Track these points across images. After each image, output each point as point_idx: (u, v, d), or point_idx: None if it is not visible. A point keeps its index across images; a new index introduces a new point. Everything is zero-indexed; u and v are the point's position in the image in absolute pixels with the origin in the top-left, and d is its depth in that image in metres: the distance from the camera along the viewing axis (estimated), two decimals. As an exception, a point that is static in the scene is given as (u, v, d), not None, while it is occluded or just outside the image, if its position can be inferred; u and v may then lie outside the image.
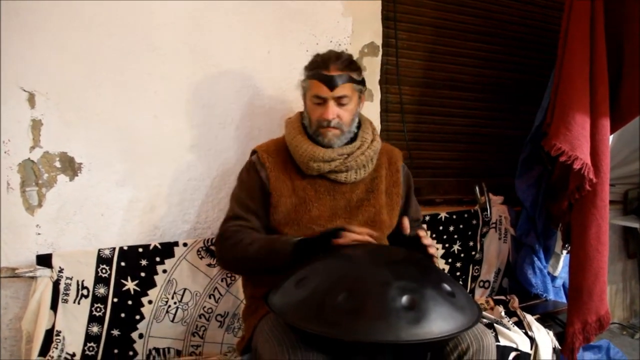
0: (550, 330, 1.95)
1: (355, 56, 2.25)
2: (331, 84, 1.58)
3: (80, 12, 1.75)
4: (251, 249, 1.51)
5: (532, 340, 1.87)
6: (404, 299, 1.11)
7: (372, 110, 2.34)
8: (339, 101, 1.60)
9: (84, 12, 1.76)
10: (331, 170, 1.63)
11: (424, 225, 2.17)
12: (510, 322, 1.93)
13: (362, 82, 1.68)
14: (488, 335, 1.38)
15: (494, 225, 2.44)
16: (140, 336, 1.79)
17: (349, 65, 1.64)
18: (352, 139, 1.68)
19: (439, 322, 1.09)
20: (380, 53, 2.35)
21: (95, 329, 1.72)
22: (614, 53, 1.93)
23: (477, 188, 2.46)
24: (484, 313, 2.05)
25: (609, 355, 2.69)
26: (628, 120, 1.97)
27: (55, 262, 1.68)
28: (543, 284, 2.33)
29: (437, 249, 2.32)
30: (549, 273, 2.38)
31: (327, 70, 1.59)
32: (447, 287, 1.20)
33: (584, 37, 1.89)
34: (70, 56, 1.76)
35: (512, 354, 1.81)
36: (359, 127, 1.72)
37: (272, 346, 1.27)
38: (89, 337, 1.71)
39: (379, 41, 2.33)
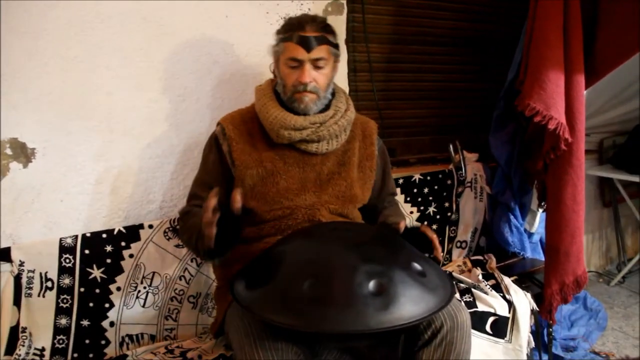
0: (528, 291, 1.99)
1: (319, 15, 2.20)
2: (308, 46, 1.54)
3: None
4: (188, 235, 1.53)
5: (510, 303, 1.91)
6: (372, 284, 1.11)
7: (339, 72, 2.27)
8: (316, 64, 1.57)
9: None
10: (302, 139, 1.60)
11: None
12: (488, 286, 1.97)
13: (337, 47, 1.64)
14: (462, 311, 1.40)
15: (469, 184, 2.45)
16: (112, 324, 1.78)
17: (325, 27, 1.60)
18: (325, 108, 1.65)
19: (408, 306, 1.09)
20: (345, 11, 2.28)
21: (63, 321, 1.70)
22: (587, 4, 1.90)
23: (451, 146, 2.47)
24: (461, 277, 2.08)
25: (585, 304, 2.79)
26: (603, 74, 1.95)
27: (15, 255, 1.64)
28: (520, 242, 2.37)
29: (412, 212, 2.34)
30: (525, 230, 2.42)
31: (303, 31, 1.55)
32: (417, 266, 1.21)
33: None
34: (10, 33, 1.65)
35: (491, 319, 1.85)
36: (332, 95, 1.69)
37: (240, 337, 1.28)
38: (57, 330, 1.69)
39: (343, -2, 2.26)
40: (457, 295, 1.96)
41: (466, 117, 2.79)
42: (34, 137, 1.74)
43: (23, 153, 1.73)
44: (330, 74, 1.63)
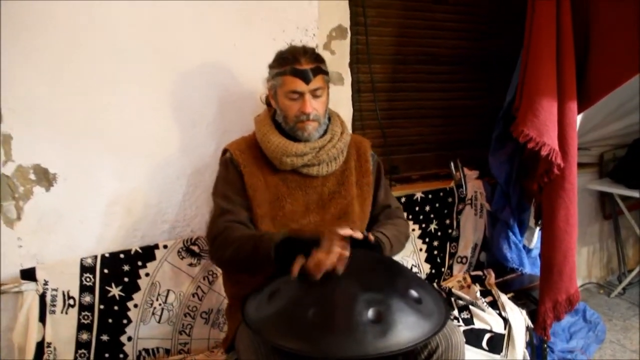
0: (523, 308, 2.12)
1: (324, 41, 2.34)
2: (306, 78, 1.65)
3: (38, 18, 1.78)
4: (238, 247, 1.56)
5: (506, 320, 2.04)
6: (370, 312, 1.24)
7: (343, 94, 2.43)
8: (314, 93, 1.68)
9: (42, 18, 1.78)
10: (304, 164, 1.72)
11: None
12: (485, 303, 2.10)
13: (328, 74, 1.75)
14: (456, 333, 1.53)
15: (469, 201, 2.58)
16: (129, 339, 1.94)
17: (317, 57, 1.72)
18: (323, 133, 1.77)
19: (405, 332, 1.23)
20: (349, 35, 2.40)
21: (84, 336, 1.86)
22: (580, 33, 2.02)
23: (452, 164, 2.60)
24: (460, 294, 2.22)
25: (585, 316, 2.91)
26: (595, 100, 2.07)
27: (40, 275, 1.79)
28: (519, 257, 2.50)
29: (414, 229, 2.47)
30: (524, 246, 2.55)
31: (299, 64, 1.65)
32: (414, 293, 1.34)
33: (550, 18, 1.97)
34: (34, 67, 1.80)
35: (487, 335, 1.98)
36: (328, 120, 1.81)
37: (249, 354, 1.42)
38: (79, 345, 1.85)
39: (346, 23, 2.38)
40: (456, 312, 2.10)
41: (467, 134, 2.91)
42: (55, 163, 1.88)
43: (45, 178, 1.87)
44: (326, 100, 1.76)
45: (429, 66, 2.73)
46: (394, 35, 2.61)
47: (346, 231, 1.45)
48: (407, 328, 1.25)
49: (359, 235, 1.49)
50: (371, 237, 1.55)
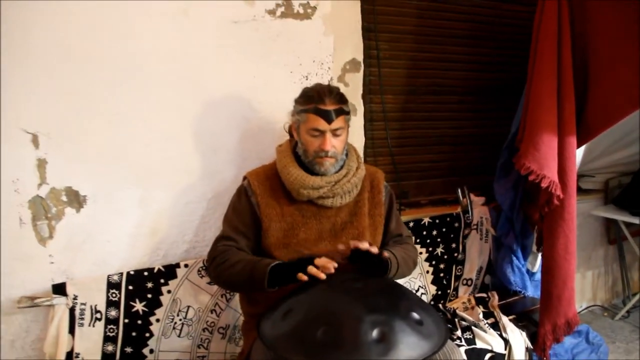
0: (524, 330, 2.23)
1: (338, 73, 2.48)
2: (328, 118, 1.78)
3: (70, 51, 1.93)
4: (234, 270, 1.73)
5: (507, 341, 2.16)
6: (375, 332, 1.37)
7: (356, 123, 2.57)
8: (334, 132, 1.80)
9: (74, 50, 1.94)
10: (319, 196, 1.84)
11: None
12: (487, 325, 2.22)
13: (349, 113, 1.88)
14: (456, 352, 1.65)
15: (475, 226, 2.70)
16: (151, 351, 2.08)
17: (341, 98, 1.84)
18: (339, 167, 1.89)
19: (406, 352, 1.35)
20: (362, 68, 2.55)
21: (110, 347, 2.00)
22: (580, 69, 2.14)
23: (459, 191, 2.72)
24: (464, 315, 2.34)
25: (587, 338, 2.99)
26: (594, 135, 2.19)
27: (70, 290, 1.95)
28: (522, 281, 2.61)
29: (421, 253, 2.59)
30: (527, 270, 2.65)
31: (324, 104, 1.78)
32: (415, 315, 1.47)
33: (551, 55, 2.10)
34: (65, 94, 1.95)
35: (488, 355, 2.10)
36: (345, 155, 1.93)
37: None
38: (105, 356, 1.99)
39: (360, 57, 2.53)
40: (459, 332, 2.21)
41: (475, 160, 3.03)
42: (85, 186, 2.04)
43: (76, 200, 2.03)
44: (346, 138, 1.88)
45: (438, 96, 2.86)
46: (405, 68, 2.74)
47: (364, 245, 1.62)
48: (408, 347, 1.37)
49: (374, 250, 1.64)
50: (385, 254, 1.70)
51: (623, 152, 3.29)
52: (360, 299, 1.47)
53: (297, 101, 1.87)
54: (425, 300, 2.60)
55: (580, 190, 3.42)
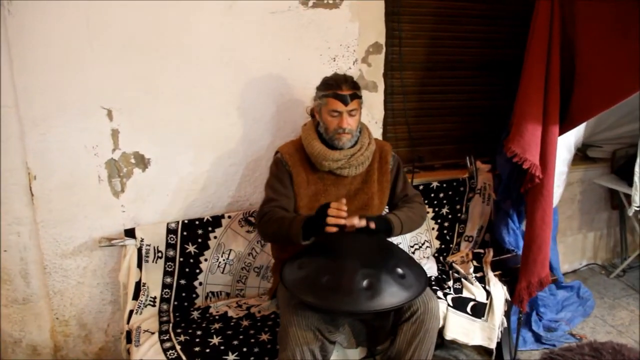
0: (507, 285, 2.65)
1: (362, 55, 2.85)
2: (345, 101, 2.17)
3: (140, 43, 2.38)
4: (278, 226, 2.16)
5: (489, 293, 2.60)
6: (365, 282, 1.84)
7: (377, 99, 2.96)
8: (350, 113, 2.19)
9: (143, 42, 2.39)
10: (338, 167, 2.26)
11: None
12: (474, 278, 2.67)
13: (361, 97, 2.27)
14: (433, 300, 2.11)
15: (479, 191, 3.09)
16: (200, 284, 2.61)
17: (355, 85, 2.23)
18: (354, 143, 2.29)
19: (387, 298, 1.83)
20: (384, 50, 2.90)
21: (168, 279, 2.54)
22: (567, 69, 2.42)
23: (467, 159, 3.11)
24: (458, 268, 2.80)
25: (578, 293, 3.41)
26: (576, 124, 2.50)
27: (138, 234, 2.47)
28: (515, 241, 3.00)
29: (428, 212, 3.02)
30: (522, 232, 3.05)
31: (341, 90, 2.17)
32: (399, 271, 1.94)
33: (541, 58, 2.39)
34: (135, 79, 2.41)
35: (471, 303, 2.53)
36: (359, 132, 2.34)
37: (284, 304, 2.08)
38: (164, 286, 2.53)
39: (382, 40, 2.88)
40: (451, 282, 2.68)
41: (485, 129, 3.36)
42: (149, 151, 2.53)
43: (142, 162, 2.53)
44: (359, 117, 2.28)
45: (453, 71, 3.19)
46: (424, 46, 3.07)
47: (362, 222, 2.05)
48: (390, 295, 1.85)
49: (363, 223, 2.05)
50: (372, 225, 2.08)
51: (628, 126, 3.56)
52: (358, 256, 1.95)
53: (319, 88, 2.27)
54: (429, 253, 3.05)
55: (587, 158, 3.75)
